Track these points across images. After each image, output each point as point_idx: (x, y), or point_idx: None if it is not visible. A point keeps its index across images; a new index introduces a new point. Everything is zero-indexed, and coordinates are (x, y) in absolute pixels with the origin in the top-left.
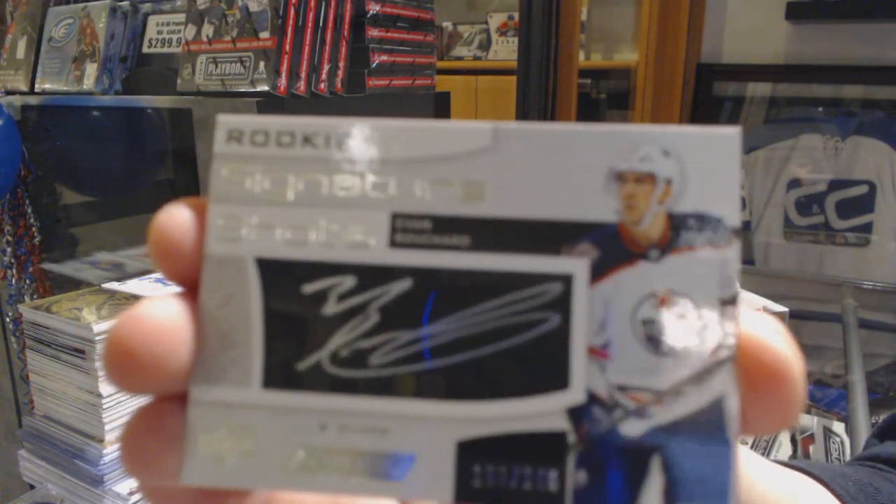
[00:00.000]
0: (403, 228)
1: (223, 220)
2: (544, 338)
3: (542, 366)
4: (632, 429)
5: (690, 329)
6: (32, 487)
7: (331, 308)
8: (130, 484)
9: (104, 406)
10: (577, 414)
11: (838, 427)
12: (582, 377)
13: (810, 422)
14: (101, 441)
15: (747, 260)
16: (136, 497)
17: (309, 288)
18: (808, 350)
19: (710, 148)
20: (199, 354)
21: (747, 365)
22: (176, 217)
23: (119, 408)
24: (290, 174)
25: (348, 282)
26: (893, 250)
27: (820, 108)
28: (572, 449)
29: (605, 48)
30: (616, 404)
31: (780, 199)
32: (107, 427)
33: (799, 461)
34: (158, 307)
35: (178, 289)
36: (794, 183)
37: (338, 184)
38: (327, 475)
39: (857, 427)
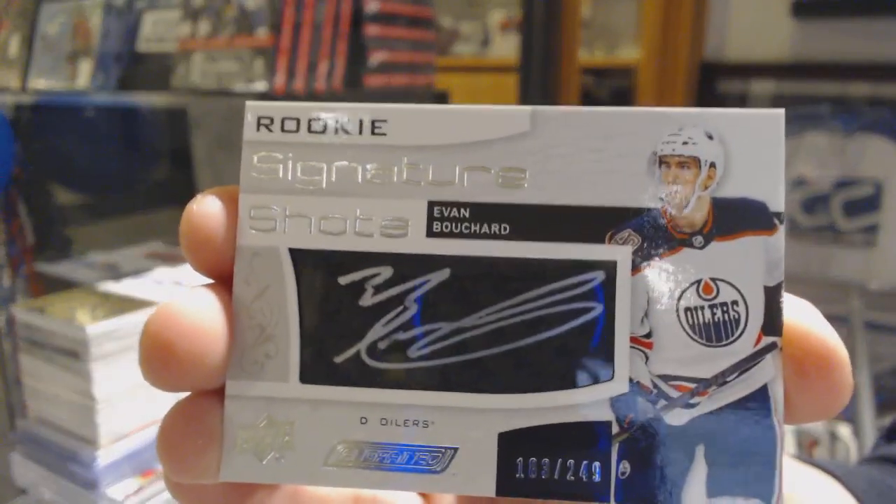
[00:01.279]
0: (441, 217)
1: (255, 210)
2: (587, 328)
3: (586, 356)
4: (676, 418)
5: (735, 317)
6: (25, 492)
7: (368, 299)
8: (125, 488)
9: (98, 409)
10: (620, 404)
11: (844, 430)
12: (625, 367)
13: (815, 425)
14: (95, 444)
15: None
16: (132, 501)
17: (345, 279)
18: None
19: (754, 130)
20: (235, 348)
21: (794, 352)
22: (206, 207)
23: (113, 411)
24: (322, 161)
25: (385, 272)
26: None
27: (826, 106)
28: (616, 439)
29: (607, 45)
30: (660, 394)
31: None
32: (101, 430)
33: (810, 458)
34: (193, 301)
35: (208, 280)
36: (799, 182)
37: (372, 171)
38: (367, 470)
39: (863, 430)
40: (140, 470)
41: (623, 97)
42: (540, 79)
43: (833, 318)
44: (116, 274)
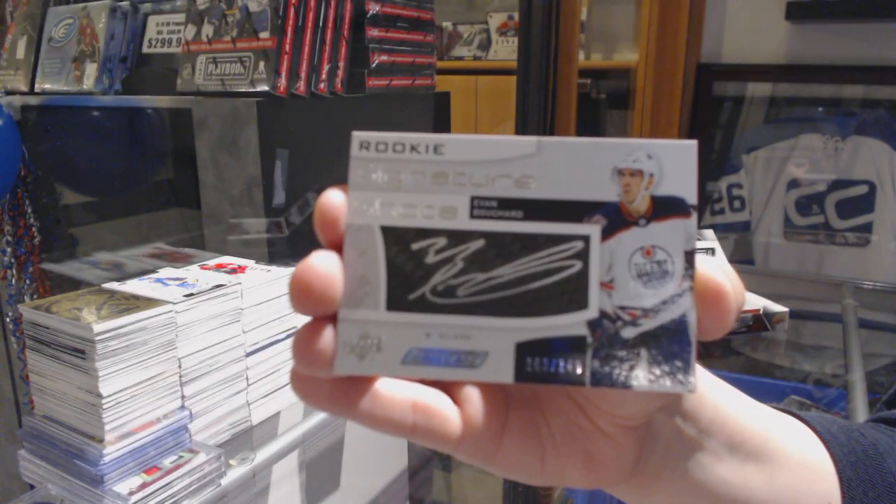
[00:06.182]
0: (479, 206)
1: (358, 201)
2: (572, 276)
3: (571, 294)
4: (628, 333)
5: (665, 270)
6: (32, 487)
7: (430, 258)
8: (130, 484)
9: (104, 406)
10: (593, 324)
11: None
12: (596, 301)
13: None
14: (100, 441)
15: (747, 260)
16: (136, 497)
17: (415, 245)
18: (809, 350)
19: (678, 153)
20: (345, 289)
21: (698, 290)
22: (331, 199)
23: (119, 408)
24: (401, 171)
25: (442, 241)
26: (893, 250)
27: (820, 108)
28: (590, 347)
29: (605, 48)
30: (618, 318)
31: (780, 198)
32: (107, 427)
33: (790, 409)
34: (321, 259)
35: (329, 248)
36: (794, 183)
37: (434, 177)
38: (429, 366)
39: None
40: (145, 466)
41: (621, 99)
42: (538, 81)
43: (827, 316)
44: (121, 273)
